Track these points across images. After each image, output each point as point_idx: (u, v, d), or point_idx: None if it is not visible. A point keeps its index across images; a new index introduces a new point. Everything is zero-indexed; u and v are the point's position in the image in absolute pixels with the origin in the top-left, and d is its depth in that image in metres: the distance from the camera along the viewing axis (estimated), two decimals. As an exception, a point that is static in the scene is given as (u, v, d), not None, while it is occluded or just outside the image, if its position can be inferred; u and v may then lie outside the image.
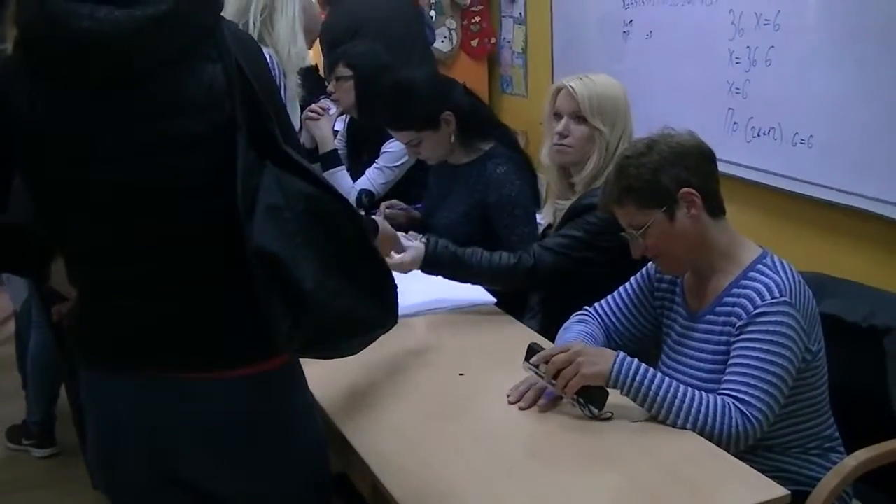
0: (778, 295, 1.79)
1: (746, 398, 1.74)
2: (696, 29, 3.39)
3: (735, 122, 3.23)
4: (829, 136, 2.85)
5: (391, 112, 2.74)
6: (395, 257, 2.22)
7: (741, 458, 1.69)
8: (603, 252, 2.28)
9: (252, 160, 1.33)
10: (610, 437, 1.75)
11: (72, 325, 1.50)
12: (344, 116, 3.55)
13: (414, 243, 2.28)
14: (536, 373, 1.86)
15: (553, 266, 2.32)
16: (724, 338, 1.85)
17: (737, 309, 1.83)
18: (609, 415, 1.80)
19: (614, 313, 2.10)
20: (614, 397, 1.80)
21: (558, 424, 1.81)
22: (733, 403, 1.74)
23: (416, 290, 2.31)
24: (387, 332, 1.46)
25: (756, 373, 1.75)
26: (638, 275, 2.10)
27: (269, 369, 1.45)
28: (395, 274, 1.48)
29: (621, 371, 1.78)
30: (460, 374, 2.04)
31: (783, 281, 1.81)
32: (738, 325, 1.81)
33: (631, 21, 3.80)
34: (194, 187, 1.36)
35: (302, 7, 2.73)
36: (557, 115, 2.41)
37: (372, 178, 3.31)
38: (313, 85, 3.32)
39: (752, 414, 1.73)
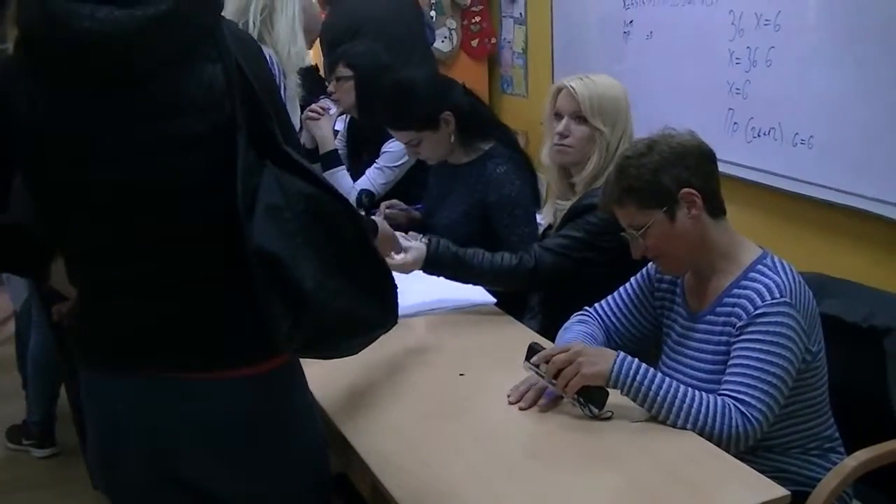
0: (778, 295, 1.79)
1: (746, 399, 1.74)
2: (696, 29, 3.39)
3: (735, 123, 3.23)
4: (829, 137, 2.86)
5: (391, 112, 2.74)
6: (397, 258, 2.22)
7: (741, 459, 1.69)
8: (603, 252, 2.28)
9: (252, 160, 1.33)
10: (610, 438, 1.75)
11: (72, 324, 1.50)
12: (344, 116, 3.55)
13: (415, 243, 2.28)
14: (537, 372, 1.86)
15: (554, 267, 2.32)
16: (724, 338, 1.85)
17: (737, 309, 1.83)
18: (609, 414, 1.80)
19: (614, 313, 2.10)
20: (614, 397, 1.80)
21: (558, 424, 1.81)
22: (733, 404, 1.74)
23: (417, 290, 2.31)
24: (387, 332, 1.46)
25: (756, 373, 1.75)
26: (638, 275, 2.10)
27: (269, 369, 1.45)
28: (395, 274, 1.48)
29: (621, 371, 1.78)
30: (460, 375, 2.04)
31: (783, 281, 1.81)
32: (738, 325, 1.81)
33: (631, 21, 3.80)
34: (194, 187, 1.36)
35: (302, 7, 2.73)
36: (558, 116, 2.41)
37: (372, 178, 3.31)
38: (313, 85, 3.32)
39: (752, 414, 1.73)
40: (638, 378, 1.77)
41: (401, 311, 1.46)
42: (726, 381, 1.79)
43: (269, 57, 2.47)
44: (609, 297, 2.13)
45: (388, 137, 3.19)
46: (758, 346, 1.77)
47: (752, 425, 1.73)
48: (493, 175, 2.63)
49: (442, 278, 2.34)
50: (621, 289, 2.12)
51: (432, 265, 2.30)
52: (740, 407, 1.74)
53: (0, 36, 1.93)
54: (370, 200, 3.17)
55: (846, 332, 2.08)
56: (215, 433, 1.44)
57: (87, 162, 1.33)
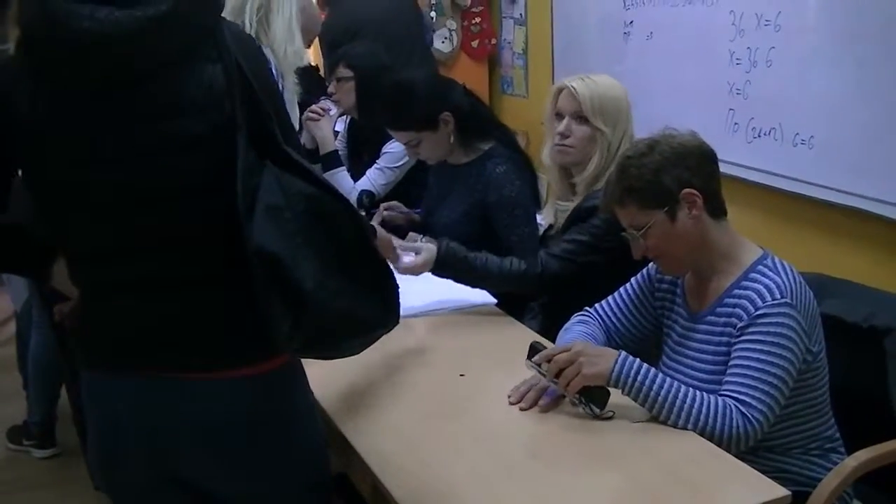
0: (779, 296, 1.79)
1: (747, 399, 1.74)
2: (696, 30, 3.40)
3: (735, 123, 3.23)
4: (830, 137, 2.86)
5: (391, 112, 2.75)
6: (406, 259, 2.22)
7: (742, 459, 1.69)
8: (606, 253, 2.28)
9: (252, 160, 1.33)
10: (611, 438, 1.75)
11: (73, 325, 1.50)
12: (345, 117, 3.55)
13: (426, 245, 2.28)
14: (539, 371, 1.86)
15: (560, 271, 2.32)
16: (724, 339, 1.85)
17: (737, 310, 1.83)
18: (610, 414, 1.80)
19: (615, 314, 2.10)
20: (616, 397, 1.80)
21: (559, 424, 1.81)
22: (734, 404, 1.74)
23: (418, 290, 2.31)
24: (388, 332, 1.46)
25: (757, 374, 1.75)
26: (638, 275, 2.10)
27: (269, 369, 1.45)
28: (396, 274, 1.48)
29: (622, 371, 1.78)
30: (461, 375, 2.04)
31: (784, 282, 1.81)
32: (738, 326, 1.81)
33: (631, 22, 3.80)
34: (194, 187, 1.36)
35: (301, 7, 2.73)
36: (559, 116, 2.41)
37: (372, 178, 3.31)
38: (311, 85, 3.32)
39: (752, 415, 1.73)
40: (639, 378, 1.77)
41: (402, 312, 1.46)
42: (727, 382, 1.79)
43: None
44: (609, 298, 2.13)
45: (388, 138, 3.19)
46: (758, 346, 1.77)
47: (752, 426, 1.73)
48: (493, 175, 2.63)
49: (442, 279, 2.35)
50: (622, 289, 2.12)
51: (441, 267, 2.31)
52: (741, 407, 1.74)
53: (1, 36, 1.93)
54: (371, 201, 3.17)
55: (847, 332, 2.08)
56: (215, 433, 1.44)
57: (88, 162, 1.33)
